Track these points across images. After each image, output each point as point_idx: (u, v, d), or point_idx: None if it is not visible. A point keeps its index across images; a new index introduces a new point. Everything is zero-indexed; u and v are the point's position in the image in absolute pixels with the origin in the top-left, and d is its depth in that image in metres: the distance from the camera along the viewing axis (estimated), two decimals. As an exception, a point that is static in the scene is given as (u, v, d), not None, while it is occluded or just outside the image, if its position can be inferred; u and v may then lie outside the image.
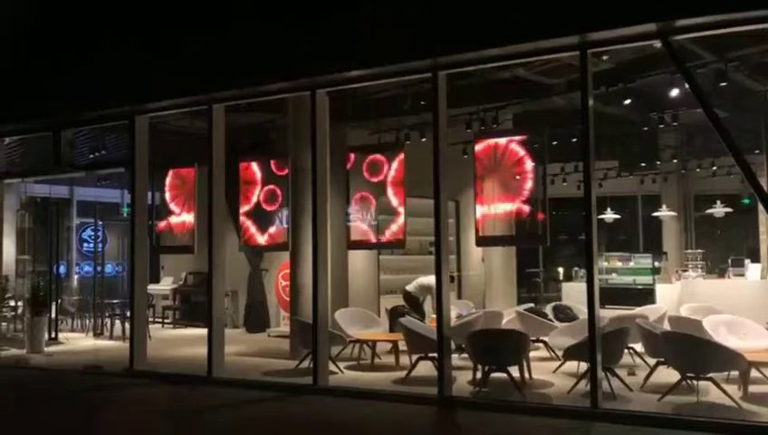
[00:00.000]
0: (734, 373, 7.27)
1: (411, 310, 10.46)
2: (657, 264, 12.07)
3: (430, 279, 10.15)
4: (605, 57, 8.43)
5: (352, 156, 8.36)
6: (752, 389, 7.07)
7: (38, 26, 10.48)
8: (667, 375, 7.26)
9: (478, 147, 7.51)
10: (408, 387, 7.86)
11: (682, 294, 11.40)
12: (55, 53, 10.06)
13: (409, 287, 10.86)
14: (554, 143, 11.20)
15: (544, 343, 9.26)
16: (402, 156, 8.04)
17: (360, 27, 7.56)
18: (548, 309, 10.32)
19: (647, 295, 11.32)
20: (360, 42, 7.57)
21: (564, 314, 10.01)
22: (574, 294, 11.40)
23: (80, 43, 9.82)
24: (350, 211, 8.24)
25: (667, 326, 8.67)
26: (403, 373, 8.39)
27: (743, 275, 11.62)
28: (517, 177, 7.56)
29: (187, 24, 8.83)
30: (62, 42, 10.03)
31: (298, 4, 8.05)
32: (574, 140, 11.03)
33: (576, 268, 13.16)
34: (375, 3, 7.50)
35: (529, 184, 7.18)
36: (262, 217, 8.86)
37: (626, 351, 7.96)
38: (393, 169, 8.02)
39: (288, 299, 11.21)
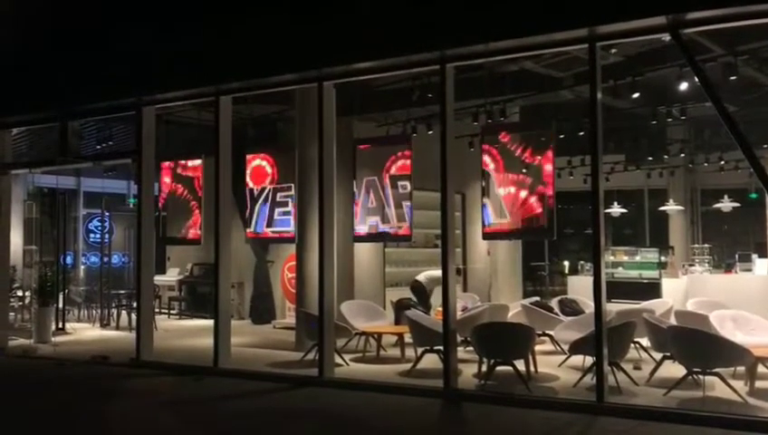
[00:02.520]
0: (741, 369, 7.26)
1: (418, 302, 10.47)
2: (663, 258, 12.01)
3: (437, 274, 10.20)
4: (614, 50, 8.38)
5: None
6: (758, 384, 7.06)
7: (45, 16, 10.48)
8: (673, 370, 7.25)
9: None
10: (413, 380, 7.88)
11: (688, 289, 11.36)
12: (63, 43, 10.06)
13: (420, 277, 10.84)
14: (561, 136, 11.19)
15: (550, 336, 9.25)
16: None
17: (368, 19, 7.53)
18: (554, 303, 10.30)
19: (653, 290, 11.28)
20: (367, 33, 7.54)
21: (570, 308, 9.99)
22: (580, 287, 11.38)
23: (87, 33, 9.82)
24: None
25: (673, 321, 8.65)
26: (408, 366, 8.40)
27: (750, 269, 11.56)
28: (524, 170, 7.55)
29: (195, 15, 8.82)
30: (69, 32, 10.03)
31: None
32: (581, 133, 11.02)
33: (582, 262, 13.13)
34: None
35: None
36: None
37: (632, 345, 7.95)
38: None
39: (294, 291, 11.25)
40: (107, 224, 15.45)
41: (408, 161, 8.14)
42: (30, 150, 14.30)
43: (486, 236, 7.84)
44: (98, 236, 17.51)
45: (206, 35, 8.67)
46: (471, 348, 8.38)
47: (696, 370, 6.83)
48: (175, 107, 10.34)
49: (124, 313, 12.82)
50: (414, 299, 10.54)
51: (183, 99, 9.58)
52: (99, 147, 13.07)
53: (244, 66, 8.43)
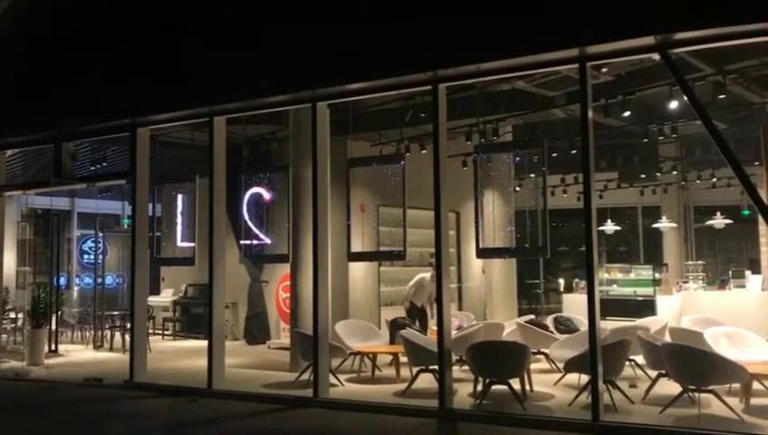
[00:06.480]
0: (736, 386, 7.26)
1: (413, 321, 10.48)
2: (657, 275, 12.02)
3: (423, 275, 10.30)
4: (604, 70, 8.47)
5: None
6: (753, 401, 7.06)
7: (40, 38, 10.54)
8: (669, 387, 7.24)
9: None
10: (408, 399, 7.84)
11: (683, 306, 11.38)
12: (57, 64, 10.11)
13: (409, 293, 10.93)
14: (554, 155, 11.26)
15: (545, 354, 9.23)
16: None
17: (361, 40, 7.61)
18: (549, 321, 10.30)
19: (647, 307, 11.28)
20: (360, 54, 7.62)
21: (565, 326, 9.99)
22: (575, 305, 11.37)
23: (81, 54, 9.87)
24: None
25: (668, 338, 8.66)
26: (404, 386, 8.36)
27: (743, 286, 11.59)
28: (517, 188, 7.59)
29: (188, 36, 8.88)
30: (64, 54, 10.09)
31: (298, 17, 8.10)
32: (574, 151, 11.09)
33: (576, 280, 13.14)
34: (376, 16, 7.54)
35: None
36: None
37: (627, 363, 7.94)
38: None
39: (288, 311, 11.20)
40: (101, 245, 15.41)
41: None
42: (24, 172, 14.28)
43: (481, 254, 7.86)
44: (92, 256, 17.44)
45: (199, 56, 8.73)
46: (466, 367, 8.36)
47: (691, 387, 6.82)
48: (169, 128, 10.36)
49: (118, 334, 12.75)
50: (408, 320, 10.53)
51: (177, 120, 9.61)
52: (93, 168, 13.06)
53: (238, 87, 8.48)
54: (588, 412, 6.62)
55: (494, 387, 7.49)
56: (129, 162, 9.73)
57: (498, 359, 7.59)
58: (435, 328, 8.28)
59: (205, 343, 8.99)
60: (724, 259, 16.32)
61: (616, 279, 12.18)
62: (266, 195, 8.89)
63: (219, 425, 7.30)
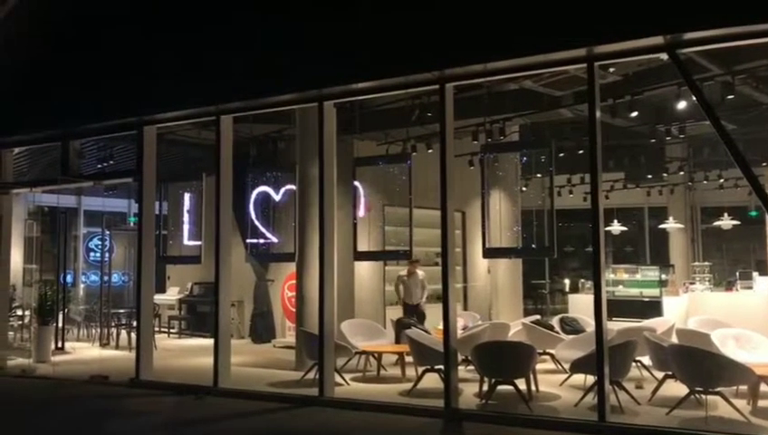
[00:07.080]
0: (743, 388, 7.22)
1: (411, 316, 10.54)
2: (664, 276, 11.97)
3: (400, 274, 10.45)
4: (612, 69, 8.44)
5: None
6: (761, 403, 7.03)
7: (47, 37, 10.57)
8: (675, 389, 7.21)
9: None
10: (413, 399, 7.83)
11: (689, 307, 11.33)
12: (64, 63, 10.14)
13: (400, 294, 11.09)
14: (561, 155, 11.23)
15: (551, 355, 9.21)
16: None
17: (368, 39, 7.61)
18: (554, 321, 10.27)
19: (654, 308, 11.24)
20: (367, 54, 7.61)
21: (571, 327, 9.96)
22: (580, 305, 11.35)
23: (88, 53, 9.90)
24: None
25: (674, 339, 8.62)
26: (409, 385, 8.36)
27: (750, 287, 11.53)
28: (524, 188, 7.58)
29: (195, 35, 8.89)
30: (70, 52, 10.11)
31: (304, 16, 8.10)
32: (581, 151, 11.06)
33: (582, 280, 13.10)
34: (383, 14, 7.54)
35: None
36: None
37: (633, 364, 7.91)
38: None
39: (293, 310, 11.22)
40: (107, 242, 15.46)
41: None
42: (31, 169, 14.34)
43: (487, 254, 7.84)
44: (98, 254, 17.51)
45: (206, 55, 8.74)
46: (472, 367, 8.34)
47: (698, 389, 6.79)
48: (176, 126, 10.39)
49: (124, 332, 12.78)
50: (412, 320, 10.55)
51: (184, 118, 9.63)
52: (100, 166, 13.11)
53: (245, 86, 8.48)
54: (594, 413, 6.60)
55: (500, 387, 7.47)
56: (135, 160, 9.75)
57: (504, 359, 7.58)
58: (439, 328, 8.27)
59: (210, 341, 9.01)
60: (731, 260, 16.25)
61: (622, 280, 12.13)
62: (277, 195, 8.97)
63: (224, 423, 7.31)
